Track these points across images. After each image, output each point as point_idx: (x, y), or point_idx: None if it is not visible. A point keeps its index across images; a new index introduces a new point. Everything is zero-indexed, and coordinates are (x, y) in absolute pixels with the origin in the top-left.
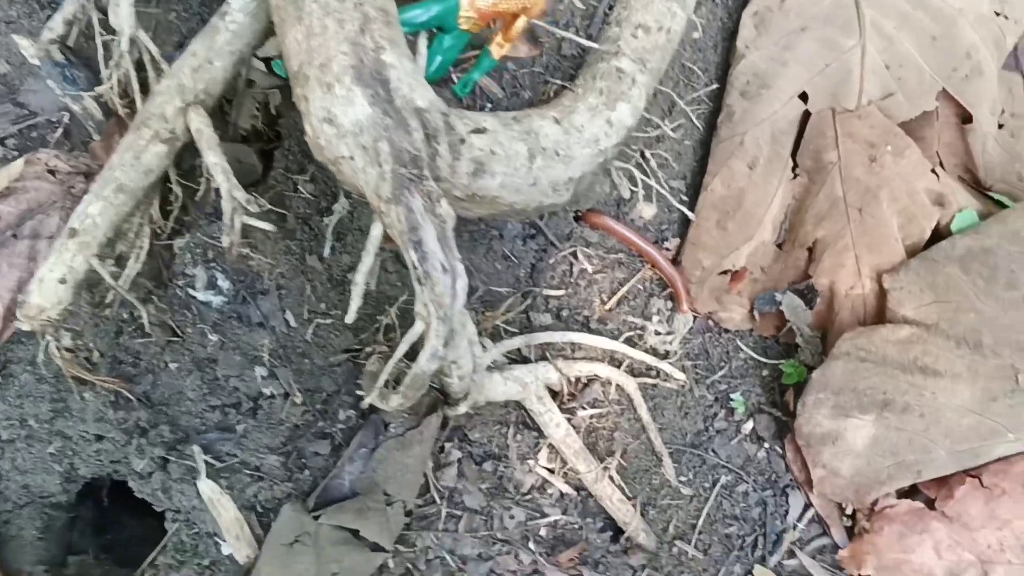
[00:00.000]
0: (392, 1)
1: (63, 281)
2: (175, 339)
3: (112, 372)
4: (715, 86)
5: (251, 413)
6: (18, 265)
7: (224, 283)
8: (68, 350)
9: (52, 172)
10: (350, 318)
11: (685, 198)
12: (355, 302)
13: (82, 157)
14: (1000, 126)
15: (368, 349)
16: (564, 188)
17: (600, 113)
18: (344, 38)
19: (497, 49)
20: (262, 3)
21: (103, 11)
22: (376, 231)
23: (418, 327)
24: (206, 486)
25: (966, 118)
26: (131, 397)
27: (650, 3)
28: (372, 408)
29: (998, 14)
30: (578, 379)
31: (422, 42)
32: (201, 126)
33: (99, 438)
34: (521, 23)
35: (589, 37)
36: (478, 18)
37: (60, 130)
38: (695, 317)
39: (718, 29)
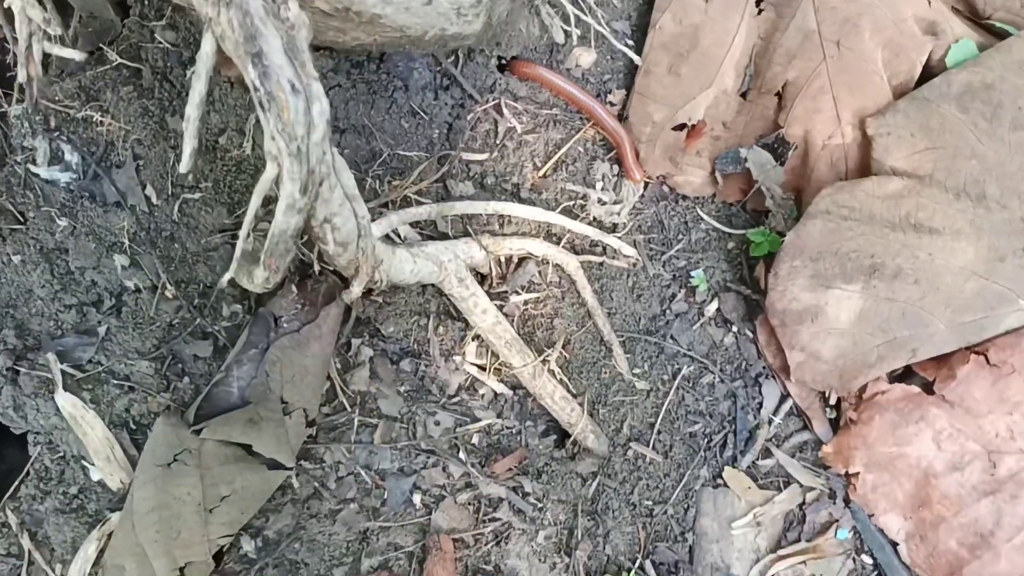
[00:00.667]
0: None
1: None
2: (17, 227)
3: None
4: None
5: (114, 311)
6: None
7: (71, 156)
8: None
9: None
10: (184, 167)
11: (631, 42)
12: (189, 144)
13: None
14: None
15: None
16: (472, 13)
17: None
18: None
19: None
20: None
21: None
22: (207, 45)
23: (269, 171)
24: (65, 400)
25: None
26: None
27: None
28: (259, 301)
29: None
30: (509, 258)
31: None
32: None
33: None
34: None
35: None
36: None
37: None
38: (646, 184)
39: None
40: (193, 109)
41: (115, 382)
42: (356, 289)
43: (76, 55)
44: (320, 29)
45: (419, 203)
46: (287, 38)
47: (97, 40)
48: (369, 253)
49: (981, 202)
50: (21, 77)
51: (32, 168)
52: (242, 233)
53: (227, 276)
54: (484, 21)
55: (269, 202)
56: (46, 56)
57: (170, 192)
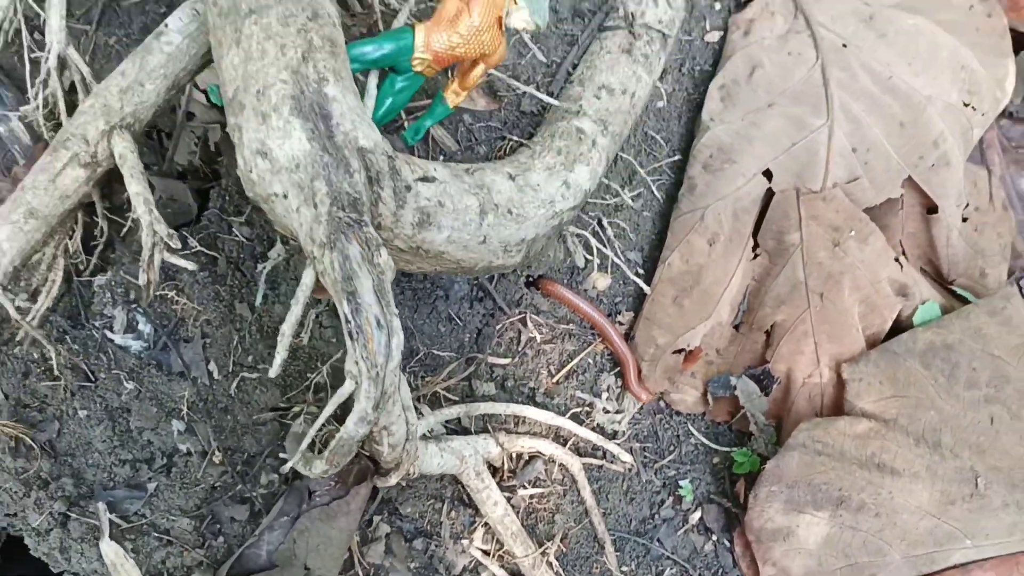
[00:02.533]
0: (340, 31)
1: None
2: (87, 384)
3: (14, 416)
4: (677, 157)
5: (164, 470)
6: None
7: (145, 327)
8: None
9: None
10: (274, 372)
11: (641, 271)
12: (280, 355)
13: (1, 183)
14: (964, 219)
15: (296, 409)
16: (516, 249)
17: (557, 173)
18: (285, 65)
19: (453, 97)
20: (203, 26)
21: (40, 31)
22: (308, 278)
23: (347, 386)
24: (109, 548)
25: (931, 208)
26: (33, 445)
27: (615, 65)
28: (296, 473)
29: (966, 105)
30: (520, 455)
31: (372, 81)
32: (125, 152)
33: None
34: (479, 71)
35: (550, 94)
36: (433, 60)
37: None
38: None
39: (683, 99)
40: (289, 327)
41: (156, 535)
42: (393, 480)
43: (190, 265)
44: (393, 260)
45: (448, 399)
46: (377, 280)
47: (173, 222)
48: (412, 452)
49: (937, 449)
50: (141, 280)
51: (108, 334)
52: (311, 430)
53: (290, 464)
54: (524, 255)
55: (320, 398)
56: (122, 233)
57: (231, 369)
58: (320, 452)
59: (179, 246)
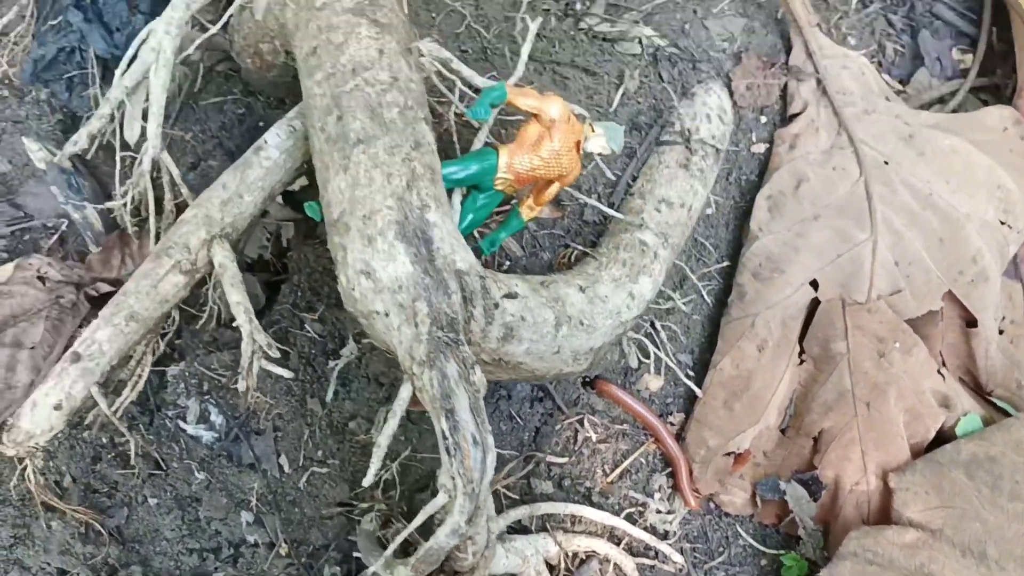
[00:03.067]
0: (438, 158)
1: (58, 408)
2: (158, 472)
3: (84, 501)
4: (726, 263)
5: (231, 560)
6: None
7: (217, 418)
8: (39, 472)
9: (42, 279)
10: (368, 481)
11: (691, 373)
12: (375, 465)
13: (76, 267)
14: (1000, 332)
15: (364, 505)
16: (584, 357)
17: (623, 285)
18: (391, 192)
19: (527, 211)
20: (299, 143)
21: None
22: (405, 393)
23: (441, 499)
24: None
25: (969, 321)
26: (102, 531)
27: (673, 179)
28: (360, 567)
29: (1003, 223)
30: (576, 554)
31: (456, 199)
32: (225, 261)
33: (62, 573)
34: (554, 189)
35: (611, 205)
36: (514, 180)
37: (56, 236)
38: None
39: (731, 207)
40: (384, 439)
41: None
42: None
43: (286, 373)
44: None
45: (507, 496)
46: (473, 398)
47: None
48: (488, 558)
49: (983, 561)
50: (240, 387)
51: (181, 424)
52: (399, 538)
53: (374, 568)
54: (591, 362)
55: (388, 495)
56: (201, 324)
57: (301, 463)
58: (397, 553)
59: (278, 355)
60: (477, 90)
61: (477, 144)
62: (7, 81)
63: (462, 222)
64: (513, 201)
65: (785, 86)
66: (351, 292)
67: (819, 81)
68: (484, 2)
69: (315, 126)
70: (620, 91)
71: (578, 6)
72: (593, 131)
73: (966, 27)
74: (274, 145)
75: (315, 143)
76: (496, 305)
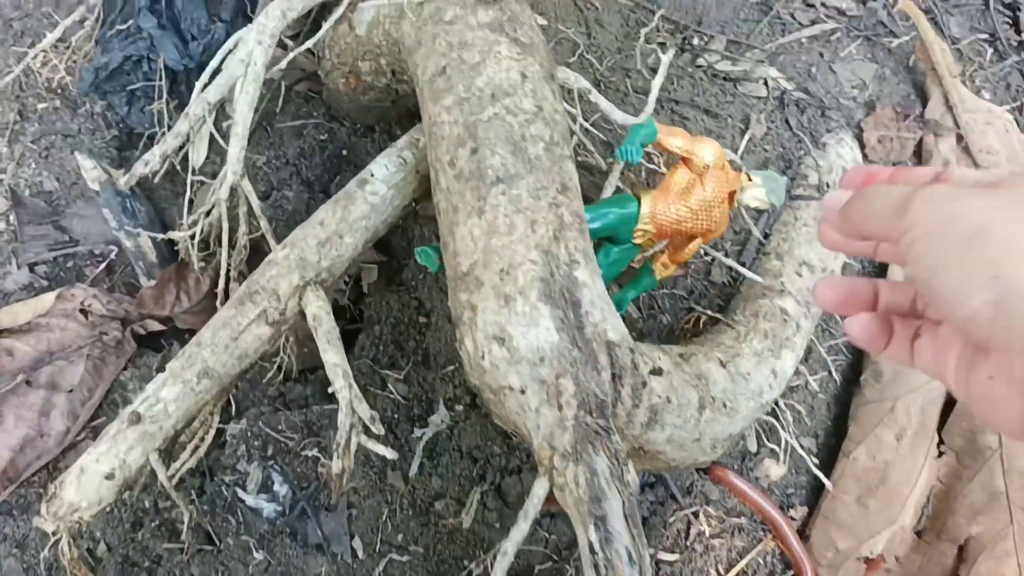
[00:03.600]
0: (583, 204)
1: (110, 477)
2: (208, 547)
3: (121, 574)
4: None
5: None
6: (27, 419)
7: (282, 488)
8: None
9: (85, 312)
10: None
11: (816, 460)
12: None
13: (124, 301)
14: None
15: None
16: (721, 445)
17: (766, 360)
18: (535, 244)
19: (661, 269)
20: (410, 177)
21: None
22: (540, 490)
23: None
24: None
25: None
26: None
27: (813, 239)
28: None
29: None
30: None
31: None
32: (320, 312)
33: None
34: (695, 245)
35: (743, 264)
36: (655, 232)
37: (103, 265)
38: None
39: (861, 274)
40: (513, 546)
41: None
42: None
43: (390, 453)
44: None
45: None
46: (628, 503)
47: (311, 362)
48: None
49: None
50: (335, 468)
51: (239, 492)
52: None
53: None
54: (726, 450)
55: None
56: (267, 379)
57: (377, 548)
58: None
59: (381, 431)
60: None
61: (607, 190)
62: (59, 91)
63: None
64: (645, 256)
65: (920, 140)
66: (480, 361)
67: (960, 137)
68: (598, 32)
69: (442, 159)
70: (746, 136)
71: (695, 41)
72: (750, 180)
73: None
74: (381, 179)
75: (441, 180)
76: (644, 384)
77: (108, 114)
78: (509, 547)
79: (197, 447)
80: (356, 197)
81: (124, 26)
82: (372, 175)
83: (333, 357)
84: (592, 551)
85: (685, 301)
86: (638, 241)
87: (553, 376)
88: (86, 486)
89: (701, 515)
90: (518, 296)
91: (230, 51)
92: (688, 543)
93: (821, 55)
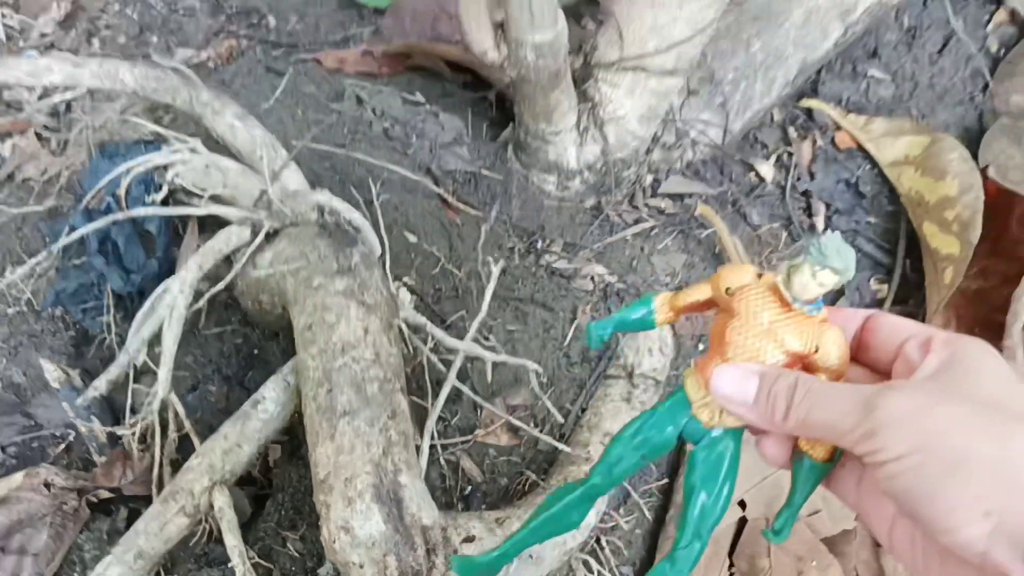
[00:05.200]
0: (410, 423)
1: None
2: None
3: None
4: (665, 480)
5: None
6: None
7: None
8: None
9: (47, 486)
10: None
11: None
12: None
13: (80, 476)
14: None
15: None
16: None
17: None
18: (369, 459)
19: (820, 453)
20: (292, 396)
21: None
22: None
23: None
24: None
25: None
26: None
27: (617, 413)
28: None
29: None
30: None
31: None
32: (224, 506)
33: None
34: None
35: (562, 436)
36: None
37: (63, 446)
38: None
39: None
40: None
41: None
42: None
43: None
44: None
45: None
46: None
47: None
48: None
49: None
50: None
51: None
52: None
53: None
54: None
55: None
56: (193, 541)
57: None
58: None
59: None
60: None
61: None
62: (26, 303)
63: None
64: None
65: None
66: (332, 544)
67: None
68: (458, 244)
69: (308, 395)
70: (573, 325)
71: (540, 244)
72: (791, 275)
73: (883, 258)
74: (271, 399)
75: (307, 409)
76: (455, 552)
77: (66, 318)
78: None
79: None
80: (251, 415)
81: (79, 261)
82: (264, 397)
83: (232, 541)
84: None
85: (518, 466)
86: (705, 419)
87: (381, 555)
88: None
89: None
90: (357, 499)
91: (158, 295)
92: None
93: (642, 249)
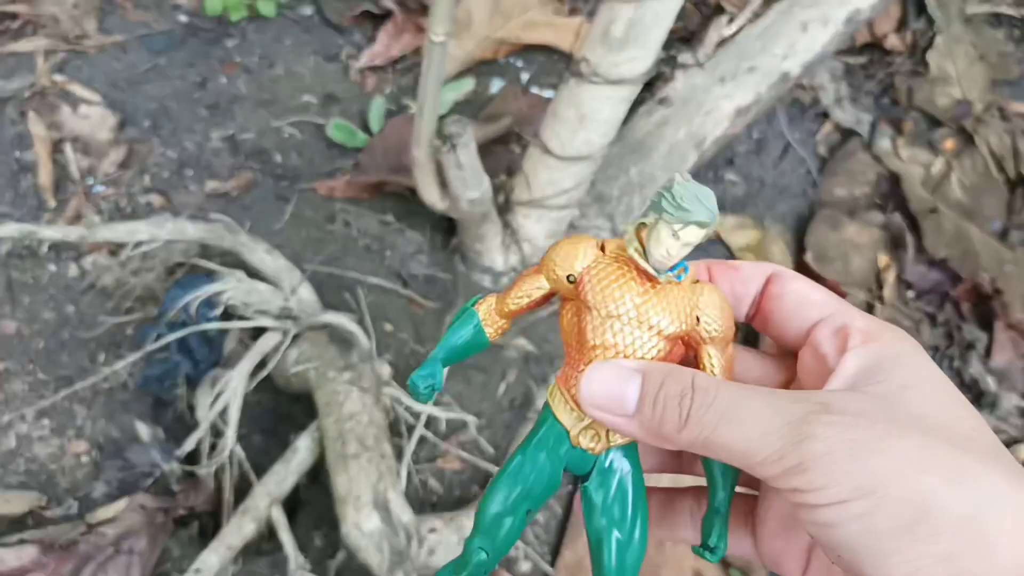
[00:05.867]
0: (394, 459)
1: None
2: None
3: None
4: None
5: None
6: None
7: None
8: None
9: (143, 507)
10: None
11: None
12: None
13: (166, 500)
14: None
15: None
16: None
17: None
18: (369, 484)
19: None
20: (316, 445)
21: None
22: None
23: None
24: None
25: None
26: None
27: None
28: None
29: None
30: None
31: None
32: (279, 516)
33: None
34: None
35: (497, 462)
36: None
37: (151, 479)
38: None
39: None
40: None
41: None
42: None
43: None
44: None
45: None
46: None
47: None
48: None
49: None
50: None
51: None
52: None
53: None
54: None
55: None
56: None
57: None
58: None
59: None
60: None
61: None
62: (122, 385)
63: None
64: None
65: None
66: (348, 537)
67: None
68: (422, 328)
69: (328, 446)
70: (503, 383)
71: None
72: (647, 241)
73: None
74: (303, 447)
75: (329, 454)
76: (423, 539)
77: (150, 394)
78: None
79: None
80: (291, 458)
81: (162, 355)
82: (299, 447)
83: (285, 536)
84: None
85: (468, 483)
86: (589, 445)
87: (379, 541)
88: None
89: None
90: (363, 508)
91: (226, 381)
92: None
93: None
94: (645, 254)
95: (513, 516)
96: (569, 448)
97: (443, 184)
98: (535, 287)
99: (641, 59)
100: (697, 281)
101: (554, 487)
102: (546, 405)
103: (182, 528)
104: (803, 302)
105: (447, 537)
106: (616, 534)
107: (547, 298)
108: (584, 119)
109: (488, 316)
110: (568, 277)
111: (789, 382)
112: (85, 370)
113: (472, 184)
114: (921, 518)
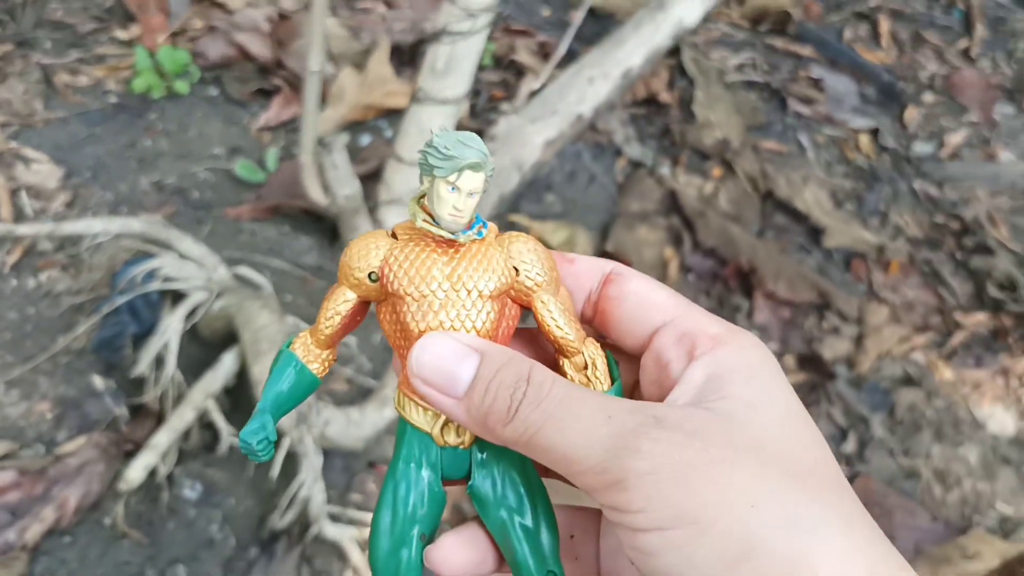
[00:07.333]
0: None
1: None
2: None
3: None
4: None
5: None
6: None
7: None
8: None
9: (98, 444)
10: None
11: None
12: None
13: (118, 436)
14: None
15: None
16: None
17: None
18: None
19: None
20: (237, 362)
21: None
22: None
23: None
24: None
25: None
26: None
27: None
28: None
29: None
30: None
31: None
32: (212, 405)
33: None
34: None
35: None
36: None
37: (106, 424)
38: None
39: None
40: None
41: None
42: None
43: None
44: None
45: None
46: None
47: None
48: None
49: None
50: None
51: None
52: None
53: None
54: None
55: None
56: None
57: None
58: None
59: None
60: None
61: None
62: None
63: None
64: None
65: None
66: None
67: None
68: (314, 295)
69: (247, 350)
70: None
71: None
72: (432, 205)
73: None
74: (229, 359)
75: (248, 356)
76: (320, 410)
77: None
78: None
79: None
80: (219, 369)
81: (115, 319)
82: (223, 360)
83: (218, 418)
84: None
85: None
86: (458, 440)
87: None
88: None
89: None
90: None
91: (164, 328)
92: None
93: None
94: (435, 221)
95: (407, 547)
96: (439, 451)
97: (324, 186)
98: (341, 302)
99: (460, 84)
100: (498, 234)
101: (439, 501)
102: (400, 420)
103: (131, 458)
104: (643, 304)
105: (337, 416)
106: (519, 520)
107: (361, 309)
108: (423, 132)
109: (307, 352)
110: (370, 276)
111: (636, 386)
112: (46, 349)
113: (346, 182)
114: (745, 555)
